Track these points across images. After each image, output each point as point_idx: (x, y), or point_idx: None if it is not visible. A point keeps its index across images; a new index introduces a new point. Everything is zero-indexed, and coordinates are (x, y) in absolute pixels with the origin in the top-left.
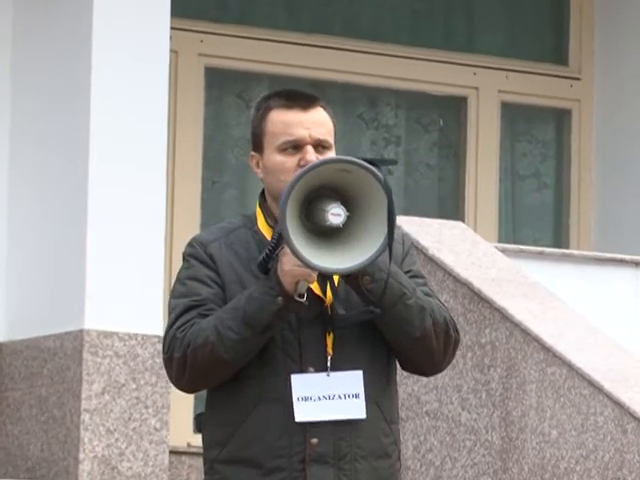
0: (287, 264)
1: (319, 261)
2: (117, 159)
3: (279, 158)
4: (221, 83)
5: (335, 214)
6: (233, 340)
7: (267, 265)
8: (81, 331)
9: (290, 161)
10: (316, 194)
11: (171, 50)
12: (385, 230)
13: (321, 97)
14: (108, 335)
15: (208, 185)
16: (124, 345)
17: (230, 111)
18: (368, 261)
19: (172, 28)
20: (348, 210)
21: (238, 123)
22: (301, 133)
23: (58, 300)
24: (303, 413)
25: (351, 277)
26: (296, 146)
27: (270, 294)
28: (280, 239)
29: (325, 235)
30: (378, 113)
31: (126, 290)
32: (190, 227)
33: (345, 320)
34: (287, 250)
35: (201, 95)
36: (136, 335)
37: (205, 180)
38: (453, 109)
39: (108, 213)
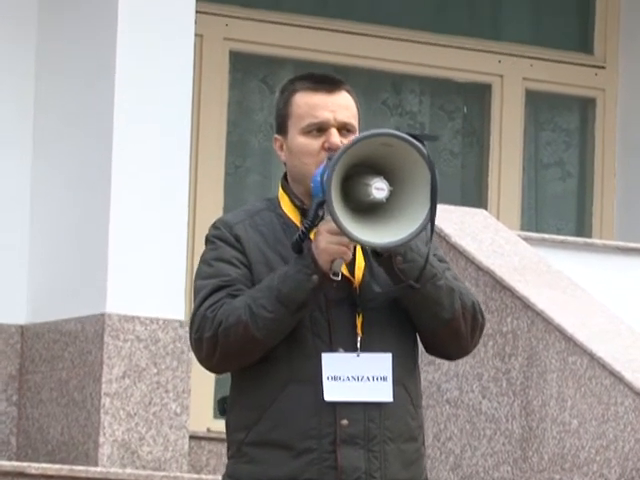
0: (322, 242)
1: (362, 235)
2: (141, 142)
3: (303, 140)
4: (246, 67)
5: (379, 188)
6: (267, 319)
7: (302, 244)
8: (102, 315)
9: (314, 143)
10: (353, 170)
11: (196, 34)
12: (427, 205)
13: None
14: (129, 319)
15: (231, 169)
16: (145, 329)
17: (254, 96)
18: (411, 236)
19: (197, 12)
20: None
21: (262, 108)
22: (326, 116)
23: (80, 283)
24: (332, 393)
25: (384, 257)
26: (320, 128)
27: (305, 272)
28: (316, 217)
29: (362, 211)
30: (402, 99)
31: (148, 274)
32: (213, 211)
33: (384, 296)
34: (322, 228)
35: (225, 79)
36: (157, 319)
37: (228, 164)
38: (477, 96)
39: (131, 196)
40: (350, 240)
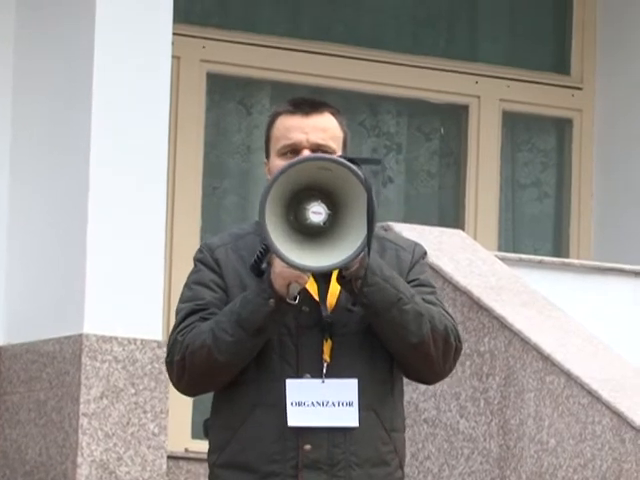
0: (278, 266)
1: (299, 259)
2: (118, 164)
3: (279, 162)
4: (223, 89)
5: (316, 212)
6: (227, 342)
7: (260, 268)
8: (80, 335)
9: None
10: (303, 194)
11: (173, 56)
12: (365, 229)
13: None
14: (107, 340)
15: (209, 191)
16: (123, 350)
17: (231, 117)
18: (347, 260)
19: (174, 34)
20: (330, 209)
21: (239, 129)
22: (298, 137)
23: (58, 304)
24: (296, 418)
25: (345, 280)
26: (294, 150)
27: (262, 296)
28: None
29: (311, 235)
30: (379, 121)
31: (126, 295)
32: (190, 232)
33: (329, 321)
34: None
35: (202, 101)
36: (135, 340)
37: (206, 186)
38: (454, 117)
39: (108, 217)
40: (285, 263)
